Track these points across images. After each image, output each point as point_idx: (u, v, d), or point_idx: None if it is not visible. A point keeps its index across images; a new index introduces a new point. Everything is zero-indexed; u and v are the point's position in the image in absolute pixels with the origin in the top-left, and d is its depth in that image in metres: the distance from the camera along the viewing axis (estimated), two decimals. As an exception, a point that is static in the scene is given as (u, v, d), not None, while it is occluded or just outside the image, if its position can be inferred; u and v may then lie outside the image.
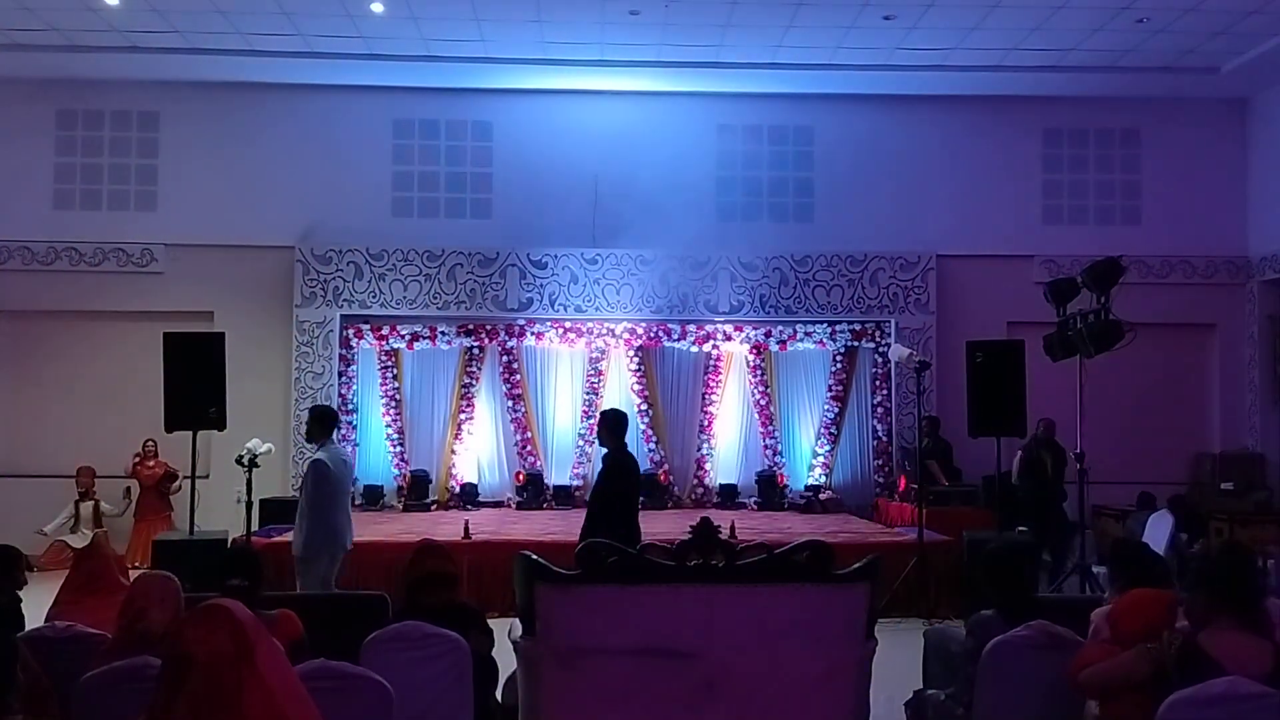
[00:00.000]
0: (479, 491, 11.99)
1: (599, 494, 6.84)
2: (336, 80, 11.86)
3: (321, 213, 12.06)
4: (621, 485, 6.76)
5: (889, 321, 12.19)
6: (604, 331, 12.20)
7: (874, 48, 10.93)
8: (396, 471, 12.02)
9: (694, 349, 12.32)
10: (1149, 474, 11.32)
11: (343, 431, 11.88)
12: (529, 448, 12.18)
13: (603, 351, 12.25)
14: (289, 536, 9.10)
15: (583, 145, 12.14)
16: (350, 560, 8.62)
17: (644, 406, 12.21)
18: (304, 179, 12.07)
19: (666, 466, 12.15)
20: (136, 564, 10.33)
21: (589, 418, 12.17)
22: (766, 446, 12.27)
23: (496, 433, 12.33)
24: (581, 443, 12.18)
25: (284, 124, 12.13)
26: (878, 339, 12.29)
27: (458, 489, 11.98)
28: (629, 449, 7.04)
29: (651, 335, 12.24)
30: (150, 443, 11.26)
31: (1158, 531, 9.14)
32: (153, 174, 12.13)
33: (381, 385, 12.18)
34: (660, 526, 9.55)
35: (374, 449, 12.18)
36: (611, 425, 6.87)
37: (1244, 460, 11.88)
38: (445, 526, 9.77)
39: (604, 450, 6.98)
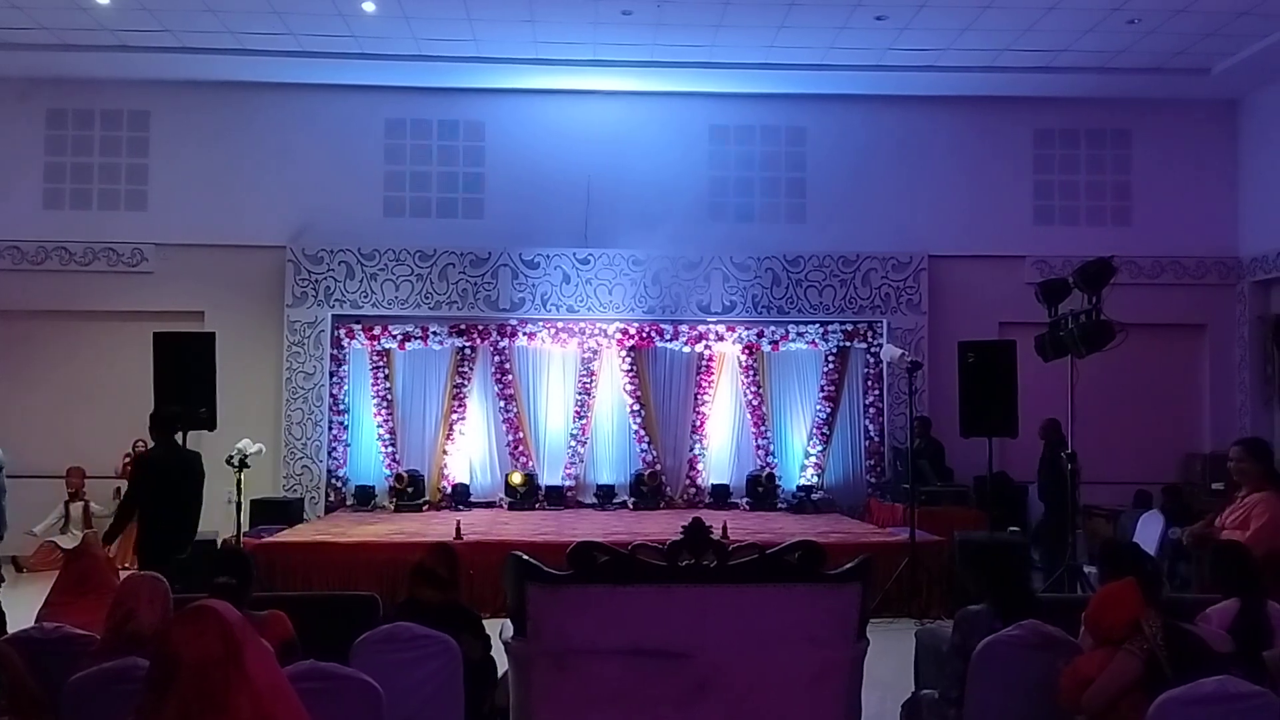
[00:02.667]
0: (471, 492, 11.97)
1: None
2: (328, 79, 11.84)
3: (313, 212, 12.04)
4: (144, 483, 7.08)
5: (881, 322, 12.21)
6: (596, 332, 12.19)
7: (866, 48, 10.94)
8: (388, 472, 11.99)
9: (686, 349, 12.32)
10: (1140, 474, 11.36)
11: (334, 432, 11.88)
12: (521, 448, 12.16)
13: (595, 352, 12.24)
14: (280, 537, 9.12)
15: (575, 145, 12.14)
16: (340, 560, 8.63)
17: (636, 407, 12.21)
18: (295, 178, 12.05)
19: (659, 466, 12.15)
20: (125, 565, 10.29)
21: (581, 418, 12.18)
22: (759, 447, 12.27)
23: (488, 433, 12.31)
24: (574, 443, 12.17)
25: (275, 123, 12.11)
26: (870, 339, 12.30)
27: (449, 489, 11.96)
28: (179, 445, 7.42)
29: (644, 335, 12.23)
30: (140, 443, 11.21)
31: (1148, 531, 9.15)
32: (143, 173, 12.09)
33: (373, 385, 12.15)
34: (652, 527, 9.60)
35: (365, 449, 12.15)
36: (154, 422, 7.28)
37: (1235, 461, 11.89)
38: (437, 527, 9.75)
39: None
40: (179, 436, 7.39)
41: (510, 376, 12.26)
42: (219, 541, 8.65)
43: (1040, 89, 11.96)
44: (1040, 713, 4.05)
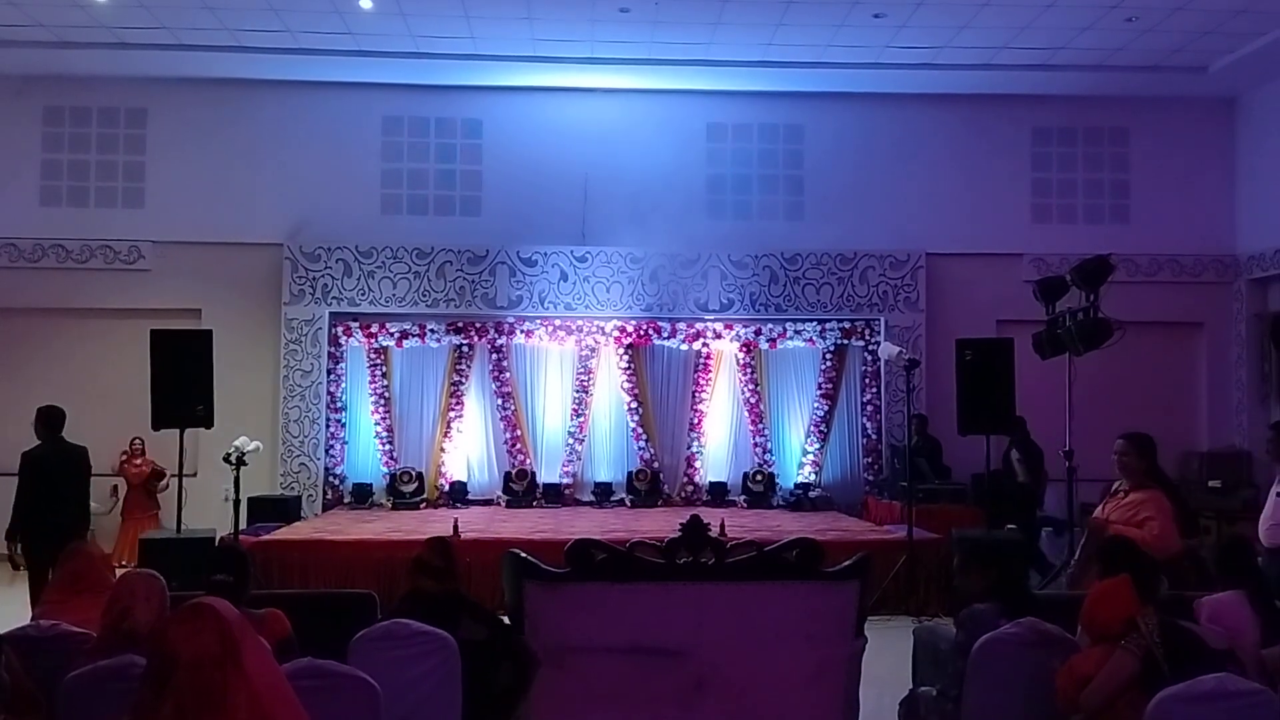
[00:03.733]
0: (468, 490, 11.97)
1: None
2: (325, 77, 11.81)
3: (310, 210, 12.02)
4: (26, 478, 7.39)
5: (878, 320, 12.20)
6: (594, 329, 12.18)
7: (864, 46, 10.93)
8: (386, 470, 11.98)
9: (684, 347, 12.31)
10: (1137, 472, 11.33)
11: (331, 430, 11.88)
12: (518, 446, 12.15)
13: (592, 349, 12.23)
14: (277, 535, 9.12)
15: (573, 143, 12.12)
16: (337, 558, 8.62)
17: (634, 404, 12.20)
18: (292, 176, 12.03)
19: (656, 464, 12.14)
20: (123, 562, 10.28)
21: (579, 416, 12.17)
22: (756, 444, 12.27)
23: (486, 431, 12.30)
24: (571, 441, 12.17)
25: (272, 121, 12.09)
26: (867, 337, 12.29)
27: (447, 487, 11.95)
28: (64, 441, 7.69)
29: (641, 333, 12.22)
30: (138, 440, 11.21)
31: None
32: (140, 171, 12.06)
33: (370, 383, 12.14)
34: (650, 524, 9.60)
35: (363, 447, 12.13)
36: (37, 419, 7.57)
37: (1231, 458, 11.92)
38: (434, 525, 9.72)
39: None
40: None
41: (508, 374, 12.24)
42: (216, 539, 8.63)
43: (1038, 87, 11.95)
44: (1038, 710, 4.05)
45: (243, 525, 9.19)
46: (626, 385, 12.23)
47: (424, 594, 4.57)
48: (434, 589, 4.61)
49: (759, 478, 12.00)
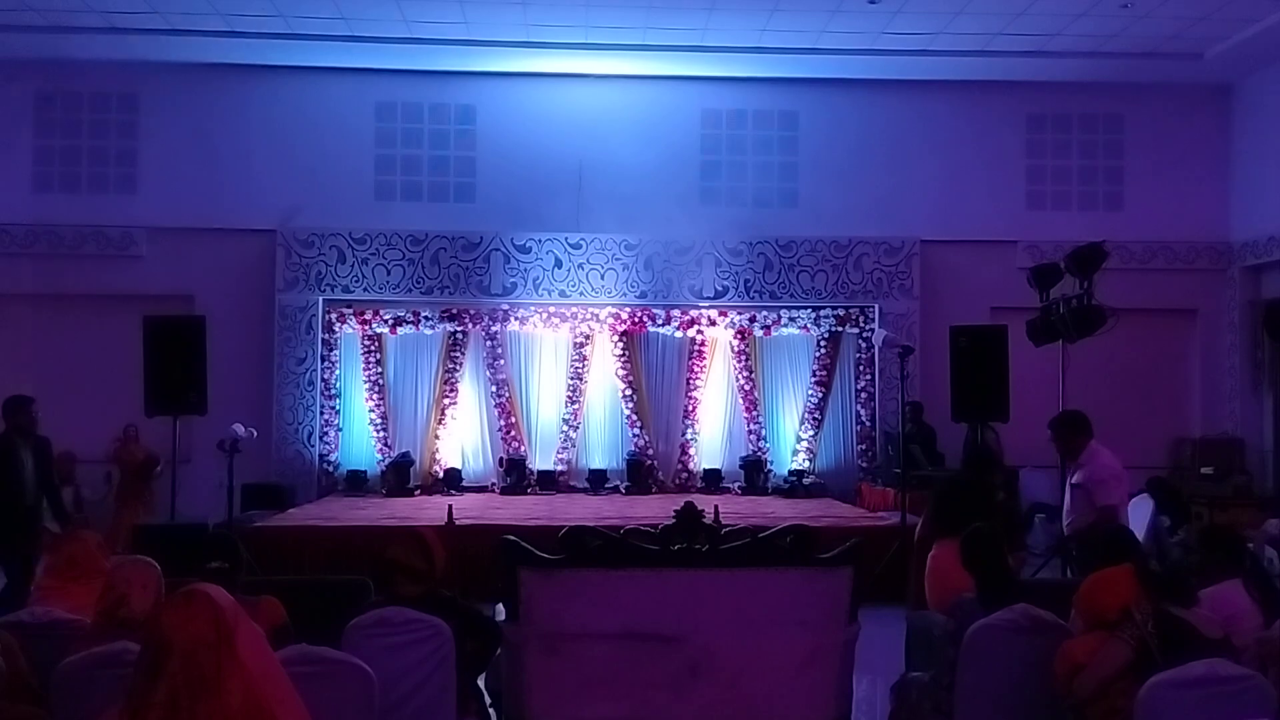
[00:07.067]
0: (463, 476, 11.97)
1: None
2: (318, 63, 11.77)
3: (304, 196, 11.97)
4: None
5: (873, 307, 12.20)
6: (588, 316, 12.17)
7: (859, 32, 10.90)
8: (380, 457, 11.98)
9: (678, 334, 12.31)
10: (1129, 458, 11.28)
11: (325, 417, 11.87)
12: (513, 433, 12.15)
13: (587, 336, 12.22)
14: (271, 521, 9.11)
15: (567, 129, 12.08)
16: (331, 544, 8.63)
17: (628, 392, 12.20)
18: (286, 162, 11.97)
19: (650, 451, 12.15)
20: (116, 550, 10.27)
21: (573, 403, 12.17)
22: (750, 431, 12.28)
23: (480, 418, 12.30)
24: (566, 428, 12.17)
25: (266, 107, 12.03)
26: (862, 324, 12.30)
27: (441, 474, 11.95)
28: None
29: (635, 320, 12.21)
30: (131, 427, 11.18)
31: (1137, 517, 9.17)
32: (133, 157, 12.01)
33: (364, 370, 12.13)
34: (645, 511, 9.61)
35: (357, 434, 12.13)
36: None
37: (1224, 445, 11.95)
38: (429, 511, 9.74)
39: None
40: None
41: (502, 361, 12.24)
42: (210, 526, 8.62)
43: (1033, 74, 11.93)
44: (1031, 695, 4.07)
45: (236, 512, 9.18)
46: (621, 372, 12.23)
47: (401, 600, 4.35)
48: (414, 593, 4.30)
49: (754, 464, 11.98)
